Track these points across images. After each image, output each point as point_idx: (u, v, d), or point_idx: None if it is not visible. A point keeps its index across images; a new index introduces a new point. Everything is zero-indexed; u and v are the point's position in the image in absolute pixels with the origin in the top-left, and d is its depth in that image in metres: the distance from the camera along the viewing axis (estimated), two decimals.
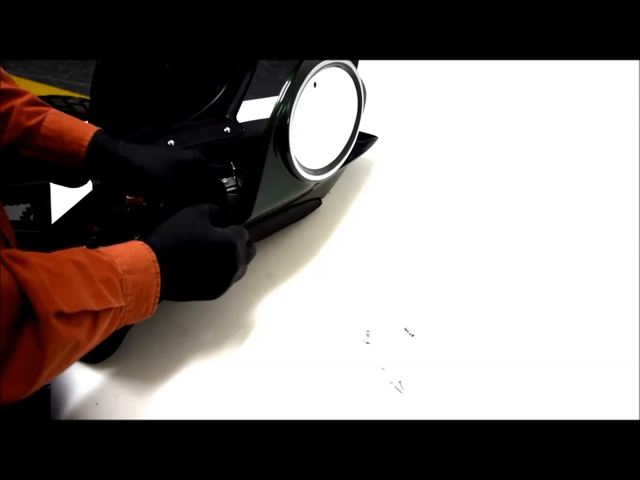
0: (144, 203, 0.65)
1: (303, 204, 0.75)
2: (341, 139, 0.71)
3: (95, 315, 0.41)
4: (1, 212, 0.48)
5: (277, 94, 0.58)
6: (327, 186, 0.79)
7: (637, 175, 0.85)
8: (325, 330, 0.64)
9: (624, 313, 0.66)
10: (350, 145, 0.72)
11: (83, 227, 0.66)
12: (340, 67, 0.65)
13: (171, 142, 0.71)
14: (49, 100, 1.30)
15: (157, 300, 0.49)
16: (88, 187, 0.64)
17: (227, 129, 0.76)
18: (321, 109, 0.64)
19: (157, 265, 0.48)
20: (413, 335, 0.63)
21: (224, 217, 0.58)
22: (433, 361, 0.61)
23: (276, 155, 0.59)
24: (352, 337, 0.63)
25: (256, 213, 0.60)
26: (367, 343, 0.63)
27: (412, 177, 0.87)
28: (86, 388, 0.57)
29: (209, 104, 0.77)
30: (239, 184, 0.68)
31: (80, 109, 1.34)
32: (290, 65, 0.58)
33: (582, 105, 1.02)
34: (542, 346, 0.62)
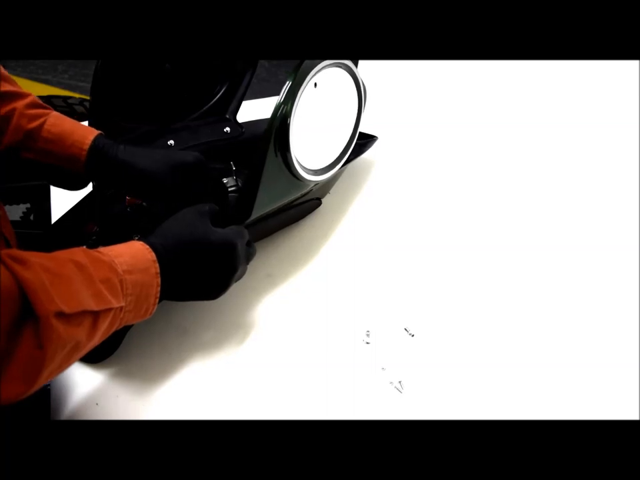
0: (144, 203, 0.65)
1: (303, 204, 0.75)
2: (341, 139, 0.71)
3: (95, 315, 0.41)
4: (1, 212, 0.48)
5: (277, 94, 0.58)
6: (326, 186, 0.79)
7: (637, 175, 0.85)
8: (325, 330, 0.64)
9: (624, 312, 0.66)
10: (350, 145, 0.72)
11: (83, 227, 0.66)
12: (340, 67, 0.65)
13: (171, 142, 0.71)
14: (49, 100, 1.30)
15: (157, 300, 0.49)
16: (88, 187, 0.64)
17: (227, 129, 0.76)
18: (321, 109, 0.64)
19: (157, 265, 0.48)
20: (413, 335, 0.63)
21: (224, 217, 0.58)
22: (433, 360, 0.61)
23: (276, 155, 0.59)
24: (352, 337, 0.63)
25: (256, 213, 0.60)
26: (367, 343, 0.63)
27: (412, 177, 0.87)
28: (86, 388, 0.57)
29: (209, 104, 0.77)
30: (239, 184, 0.68)
31: (80, 108, 1.34)
32: (290, 65, 0.58)
33: (582, 104, 1.02)
34: (542, 346, 0.62)
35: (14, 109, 0.54)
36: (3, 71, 0.56)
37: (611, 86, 1.06)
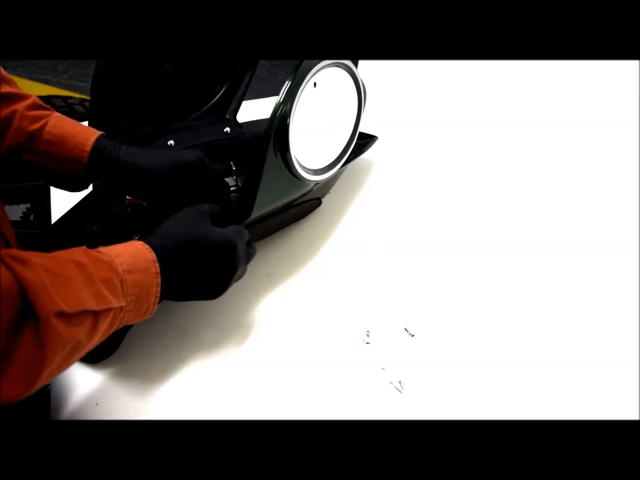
0: (144, 203, 0.65)
1: (303, 204, 0.75)
2: (340, 139, 0.71)
3: (96, 315, 0.41)
4: (1, 212, 0.49)
5: (277, 94, 0.58)
6: (327, 186, 0.79)
7: (637, 175, 0.85)
8: (325, 330, 0.64)
9: (624, 313, 0.66)
10: (350, 145, 0.72)
11: (83, 227, 0.66)
12: (340, 67, 0.65)
13: (171, 142, 0.71)
14: (49, 100, 1.30)
15: (157, 300, 0.49)
16: (88, 188, 0.64)
17: (227, 129, 0.76)
18: (321, 109, 0.64)
19: (157, 265, 0.48)
20: (413, 335, 0.63)
21: (224, 217, 0.58)
22: (433, 360, 0.61)
23: (276, 155, 0.59)
24: (352, 337, 0.63)
25: (256, 213, 0.60)
26: (367, 343, 0.63)
27: (412, 176, 0.87)
28: (86, 388, 0.57)
29: (209, 104, 0.77)
30: (239, 184, 0.68)
31: (80, 108, 1.34)
32: (290, 64, 0.58)
33: (582, 104, 1.02)
34: (542, 346, 0.62)
35: (15, 111, 0.54)
36: (3, 72, 0.55)
37: (611, 86, 1.06)
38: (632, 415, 0.55)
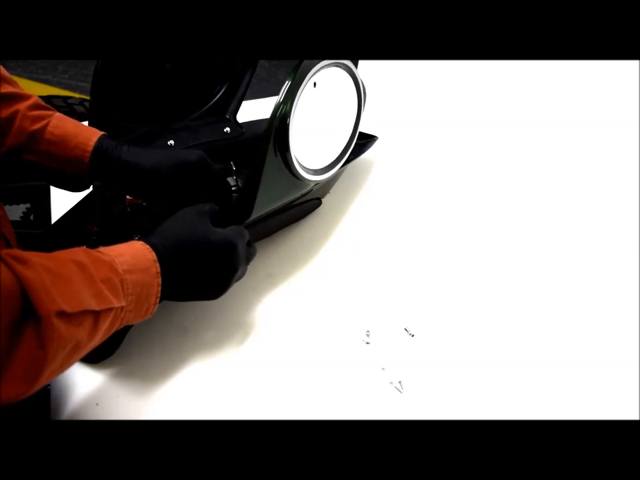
0: (144, 203, 0.65)
1: (303, 204, 0.75)
2: (340, 139, 0.71)
3: (96, 315, 0.41)
4: (1, 212, 0.48)
5: (277, 94, 0.58)
6: (326, 186, 0.79)
7: (637, 175, 0.85)
8: (325, 330, 0.64)
9: (624, 313, 0.66)
10: (350, 145, 0.72)
11: (83, 227, 0.66)
12: (340, 67, 0.65)
13: (171, 142, 0.71)
14: (49, 100, 1.30)
15: (158, 300, 0.49)
16: (89, 188, 0.64)
17: (227, 129, 0.76)
18: (320, 109, 0.64)
19: (158, 265, 0.48)
20: (413, 335, 0.63)
21: (225, 217, 0.58)
22: (433, 360, 0.61)
23: (276, 155, 0.59)
24: (352, 337, 0.63)
25: (256, 213, 0.60)
26: (367, 343, 0.63)
27: (412, 176, 0.87)
28: (86, 388, 0.57)
29: (209, 104, 0.77)
30: (239, 184, 0.68)
31: (80, 108, 1.34)
32: (290, 64, 0.58)
33: (582, 104, 1.02)
34: (542, 346, 0.62)
35: (17, 111, 0.54)
36: (4, 72, 0.55)
37: (611, 86, 1.06)
38: (632, 415, 0.55)
